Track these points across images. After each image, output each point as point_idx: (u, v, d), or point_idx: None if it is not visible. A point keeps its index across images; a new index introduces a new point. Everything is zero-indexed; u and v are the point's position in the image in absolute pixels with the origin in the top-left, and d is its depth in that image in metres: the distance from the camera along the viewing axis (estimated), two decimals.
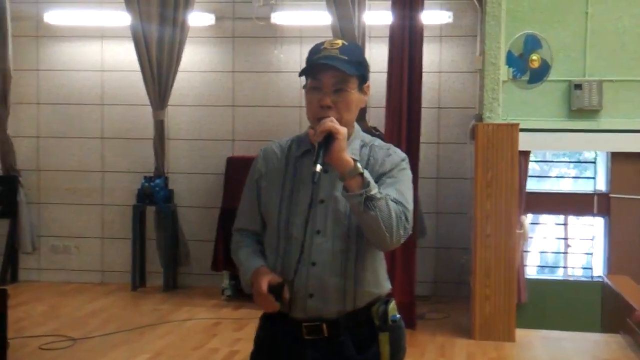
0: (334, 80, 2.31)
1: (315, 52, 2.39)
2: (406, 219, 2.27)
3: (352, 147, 2.37)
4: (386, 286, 2.49)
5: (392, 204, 2.22)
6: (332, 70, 2.29)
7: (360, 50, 2.61)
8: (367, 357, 2.37)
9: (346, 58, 2.31)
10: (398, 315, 2.43)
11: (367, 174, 2.19)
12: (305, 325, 2.34)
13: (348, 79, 2.33)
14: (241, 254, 2.49)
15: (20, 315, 7.08)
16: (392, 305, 2.42)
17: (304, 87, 2.42)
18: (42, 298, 8.06)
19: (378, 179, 2.32)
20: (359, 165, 2.20)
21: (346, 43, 2.41)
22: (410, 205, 2.33)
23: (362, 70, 2.40)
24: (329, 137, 2.19)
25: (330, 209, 2.34)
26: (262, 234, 2.51)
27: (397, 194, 2.29)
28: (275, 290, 2.24)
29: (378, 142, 2.50)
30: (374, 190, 2.18)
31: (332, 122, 2.21)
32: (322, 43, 2.41)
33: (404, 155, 2.48)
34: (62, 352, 6.13)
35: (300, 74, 2.42)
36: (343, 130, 2.21)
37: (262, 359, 2.51)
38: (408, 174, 2.44)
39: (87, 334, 6.66)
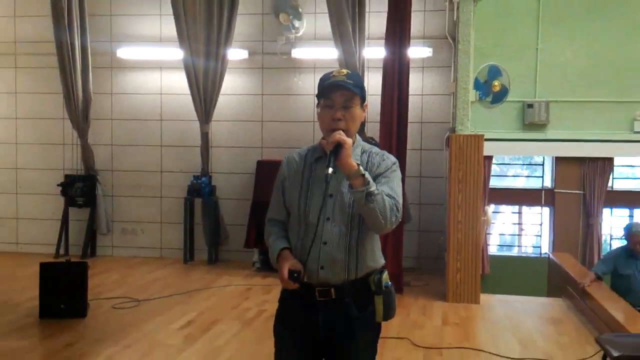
0: (343, 99, 2.39)
1: (326, 78, 2.44)
2: (397, 209, 2.35)
3: (355, 153, 2.43)
4: (380, 261, 2.52)
5: (386, 198, 2.30)
6: (342, 90, 2.37)
7: (361, 78, 2.66)
8: (366, 314, 2.43)
9: (351, 82, 2.39)
10: (390, 283, 2.48)
11: (367, 175, 2.28)
12: (317, 290, 2.39)
13: (353, 98, 2.40)
14: (270, 239, 2.54)
15: (97, 282, 7.05)
16: (385, 275, 2.47)
17: (317, 106, 2.47)
18: (114, 269, 8.02)
19: (375, 179, 2.38)
20: (361, 168, 2.28)
21: (350, 72, 2.48)
22: (400, 199, 2.39)
23: (362, 93, 2.45)
24: (338, 146, 2.26)
25: (337, 201, 2.41)
26: (287, 222, 2.56)
27: (390, 190, 2.36)
28: (293, 275, 2.32)
29: (375, 149, 2.55)
30: (373, 187, 2.27)
31: (340, 135, 2.29)
32: (331, 72, 2.47)
33: (395, 159, 2.53)
34: (129, 310, 6.10)
35: (318, 96, 2.46)
36: (349, 140, 2.29)
37: (285, 315, 2.53)
38: (398, 174, 2.49)
39: (149, 296, 6.63)
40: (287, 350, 2.48)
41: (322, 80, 2.44)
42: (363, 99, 2.45)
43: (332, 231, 2.38)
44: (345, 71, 2.45)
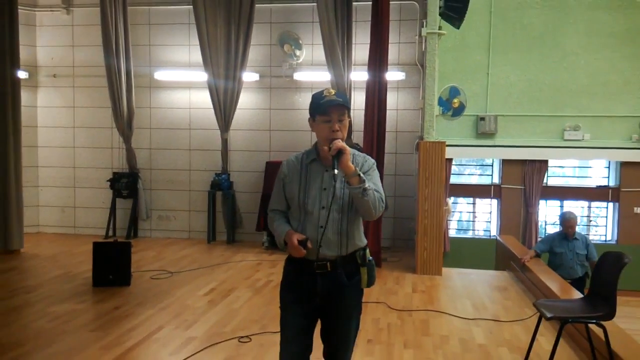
0: (338, 114, 2.40)
1: (320, 98, 2.41)
2: (382, 201, 2.40)
3: None
4: (364, 240, 2.53)
5: (375, 193, 2.34)
6: (337, 107, 2.38)
7: (346, 94, 2.52)
8: (353, 282, 2.45)
9: (341, 100, 2.39)
10: (371, 258, 2.52)
11: (362, 174, 2.32)
12: (316, 264, 2.40)
13: (345, 112, 2.42)
14: (275, 224, 2.53)
15: (139, 258, 7.01)
16: (368, 251, 2.51)
17: (313, 120, 2.46)
18: (152, 247, 7.98)
19: None
20: (357, 169, 2.31)
21: (337, 91, 2.53)
22: (384, 194, 2.43)
23: (349, 106, 2.47)
24: (340, 153, 2.30)
25: (330, 193, 2.38)
26: (287, 212, 2.55)
27: (374, 186, 2.38)
28: (301, 243, 2.36)
29: (357, 152, 2.54)
30: (367, 184, 2.31)
31: (341, 143, 2.32)
32: (321, 92, 2.45)
33: (374, 160, 2.55)
34: (165, 280, 6.07)
35: (313, 112, 2.44)
36: (349, 148, 2.35)
37: (288, 284, 2.52)
38: (377, 172, 2.51)
39: (180, 269, 6.59)
40: (291, 309, 2.47)
41: (317, 99, 2.41)
42: (349, 111, 2.46)
43: (328, 217, 2.38)
44: (333, 90, 2.44)
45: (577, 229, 6.14)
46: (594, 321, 3.40)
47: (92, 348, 3.95)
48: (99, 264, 5.67)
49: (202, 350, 3.95)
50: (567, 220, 6.02)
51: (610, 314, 3.37)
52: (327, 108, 2.37)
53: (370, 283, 2.47)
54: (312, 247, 2.37)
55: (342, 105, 2.37)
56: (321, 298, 2.41)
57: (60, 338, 4.14)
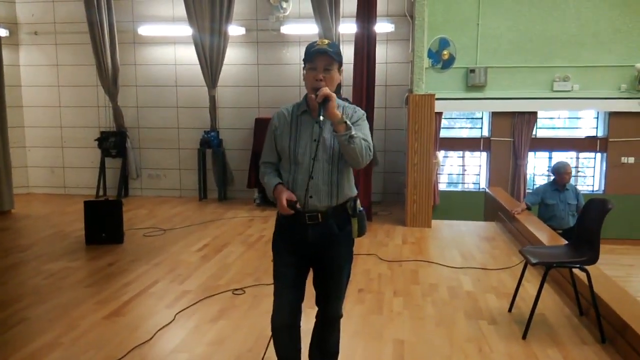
0: (324, 63, 2.39)
1: (311, 46, 2.42)
2: (370, 149, 2.40)
3: None
4: (354, 191, 2.54)
5: (362, 141, 2.34)
6: (323, 56, 2.37)
7: (339, 47, 2.59)
8: (344, 232, 2.48)
9: (332, 50, 2.38)
10: (362, 208, 2.54)
11: (349, 122, 2.31)
12: (307, 215, 2.42)
13: (332, 63, 2.40)
14: (266, 178, 2.52)
15: (131, 216, 7.06)
16: (358, 202, 2.53)
17: (304, 68, 2.45)
18: (143, 206, 8.03)
19: None
20: (343, 116, 2.31)
21: (331, 42, 2.45)
22: (371, 142, 2.43)
23: (340, 59, 2.45)
24: (326, 100, 2.28)
25: (320, 144, 2.40)
26: (278, 164, 2.55)
27: (363, 135, 2.39)
28: (290, 205, 2.37)
29: (348, 104, 2.53)
30: (353, 131, 2.30)
31: (327, 90, 2.30)
32: (315, 41, 2.45)
33: (363, 112, 2.53)
34: (158, 237, 6.13)
35: (304, 61, 2.44)
36: (334, 95, 2.32)
37: (281, 235, 2.54)
38: (367, 123, 2.51)
39: (172, 226, 6.66)
40: (283, 259, 2.50)
41: (308, 48, 2.41)
42: (340, 64, 2.44)
43: (318, 168, 2.38)
44: (327, 41, 2.42)
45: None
46: (578, 266, 3.50)
47: (88, 303, 4.03)
48: (91, 223, 5.71)
49: (197, 302, 4.05)
50: (563, 167, 5.93)
51: (594, 259, 3.47)
52: (313, 56, 2.37)
53: (361, 233, 2.51)
54: (300, 208, 2.38)
55: (328, 54, 2.35)
56: (313, 248, 2.44)
57: (57, 294, 4.22)
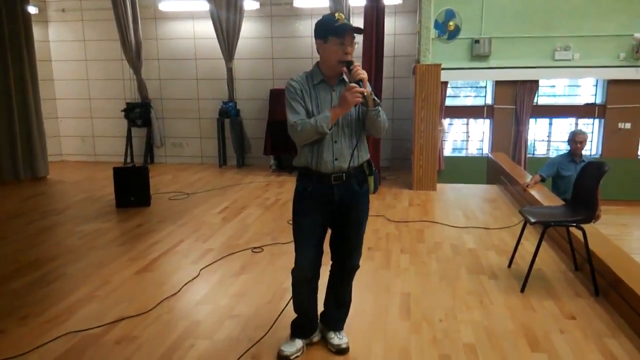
0: (350, 39, 2.38)
1: (332, 21, 2.37)
2: (386, 121, 2.47)
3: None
4: (368, 154, 2.59)
5: (383, 114, 2.43)
6: (351, 31, 2.36)
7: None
8: (363, 189, 2.56)
9: (357, 26, 2.40)
10: (375, 169, 2.61)
11: (376, 98, 2.39)
12: (333, 176, 2.46)
13: (355, 38, 2.41)
14: (312, 120, 2.35)
15: (156, 181, 7.12)
16: (371, 163, 2.60)
17: (324, 41, 2.39)
18: (168, 172, 8.07)
19: None
20: (372, 93, 2.37)
21: (345, 16, 2.46)
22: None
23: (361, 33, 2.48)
24: (360, 80, 2.31)
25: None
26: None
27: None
28: (347, 65, 2.36)
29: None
30: (379, 106, 2.40)
31: (364, 73, 2.33)
32: (333, 15, 2.41)
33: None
34: (182, 201, 6.18)
35: (326, 34, 2.37)
36: (365, 75, 2.35)
37: (307, 198, 2.52)
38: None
39: (195, 190, 6.71)
40: (311, 218, 2.51)
41: (330, 21, 2.36)
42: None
43: (340, 133, 2.44)
44: (343, 15, 2.41)
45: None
46: (574, 224, 3.49)
47: (120, 260, 4.11)
48: (120, 187, 5.78)
49: (220, 259, 4.11)
50: (572, 135, 5.35)
51: (589, 217, 3.45)
52: (342, 32, 2.34)
53: (375, 189, 2.61)
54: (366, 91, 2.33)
55: (356, 31, 2.37)
56: (338, 206, 2.50)
57: (91, 252, 4.31)
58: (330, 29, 2.35)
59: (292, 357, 2.62)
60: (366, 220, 2.63)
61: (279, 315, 2.96)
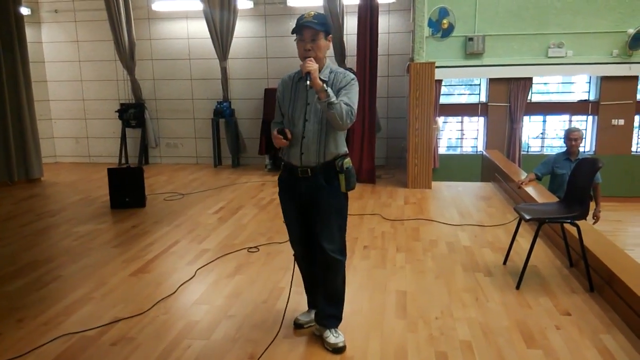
0: (311, 34, 2.47)
1: (300, 19, 2.50)
2: (352, 114, 2.47)
3: (324, 73, 2.58)
4: (343, 149, 2.65)
5: (344, 106, 2.43)
6: (309, 28, 2.45)
7: (325, 17, 2.60)
8: (332, 186, 2.60)
9: (316, 22, 2.47)
10: (351, 166, 2.65)
11: (330, 90, 2.44)
12: (299, 170, 2.59)
13: (318, 33, 2.49)
14: (272, 129, 2.67)
15: (152, 182, 7.11)
16: (347, 159, 2.63)
17: (295, 40, 2.57)
18: (163, 172, 8.06)
19: (338, 91, 2.51)
20: (324, 85, 2.42)
21: (317, 13, 2.54)
22: (355, 106, 2.50)
23: (326, 28, 2.52)
24: (307, 74, 2.42)
25: (312, 108, 2.55)
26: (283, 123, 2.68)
27: (348, 100, 2.49)
28: (280, 132, 2.54)
29: (340, 69, 2.66)
30: (333, 98, 2.42)
31: (309, 65, 2.41)
32: (303, 15, 2.52)
33: (353, 76, 2.62)
34: (177, 201, 6.17)
35: (293, 32, 2.54)
36: (314, 68, 2.42)
37: (282, 185, 2.72)
38: (356, 87, 2.58)
39: (190, 191, 6.69)
40: (286, 204, 2.73)
41: (298, 21, 2.50)
42: (327, 33, 2.52)
43: (310, 128, 2.54)
44: (313, 13, 2.50)
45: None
46: (569, 221, 3.50)
47: (116, 261, 4.11)
48: (115, 188, 5.76)
49: (216, 259, 4.11)
50: (567, 132, 5.30)
51: (584, 214, 3.47)
52: (300, 28, 2.48)
53: (348, 187, 2.62)
54: (291, 138, 2.55)
55: (312, 27, 2.44)
56: (305, 197, 2.63)
57: (87, 254, 4.30)
58: (294, 28, 2.51)
59: (305, 326, 2.91)
60: (339, 216, 2.62)
61: (283, 318, 2.99)
